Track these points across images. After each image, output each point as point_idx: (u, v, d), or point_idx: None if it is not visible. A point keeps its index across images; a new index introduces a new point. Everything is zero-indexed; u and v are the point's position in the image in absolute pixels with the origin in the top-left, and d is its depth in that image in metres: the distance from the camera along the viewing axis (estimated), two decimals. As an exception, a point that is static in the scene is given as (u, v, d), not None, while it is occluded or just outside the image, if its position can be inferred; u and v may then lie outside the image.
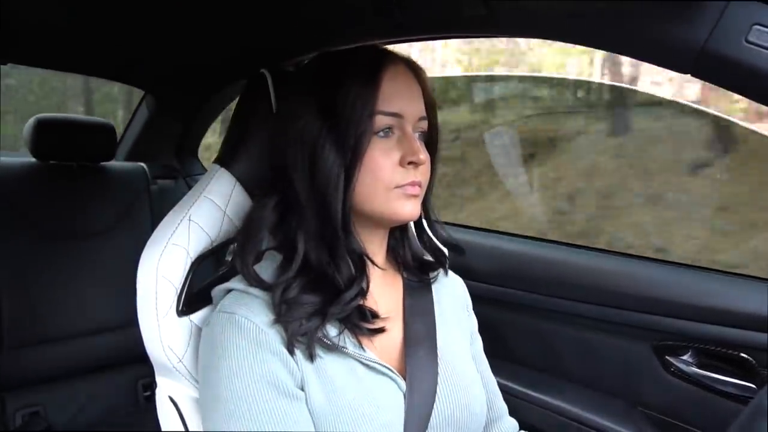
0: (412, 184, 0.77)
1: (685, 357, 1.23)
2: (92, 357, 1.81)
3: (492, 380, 0.98)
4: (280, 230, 0.79)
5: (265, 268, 0.78)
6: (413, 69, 0.82)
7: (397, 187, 0.76)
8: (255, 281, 0.76)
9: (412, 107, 0.79)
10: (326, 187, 0.74)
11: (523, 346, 1.49)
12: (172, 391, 0.85)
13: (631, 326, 1.28)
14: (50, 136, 1.77)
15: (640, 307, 1.25)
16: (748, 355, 1.13)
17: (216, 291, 0.80)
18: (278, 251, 0.80)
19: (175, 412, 0.85)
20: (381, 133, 0.76)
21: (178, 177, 2.13)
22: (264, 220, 0.79)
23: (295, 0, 1.05)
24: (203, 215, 0.86)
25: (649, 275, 1.27)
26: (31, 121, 1.76)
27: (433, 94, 0.85)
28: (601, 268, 1.35)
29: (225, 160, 0.91)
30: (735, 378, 1.17)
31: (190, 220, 0.85)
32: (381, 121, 0.75)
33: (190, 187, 1.27)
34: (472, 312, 0.99)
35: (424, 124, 0.82)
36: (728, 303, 1.15)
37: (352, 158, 0.74)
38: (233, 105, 1.37)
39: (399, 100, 0.77)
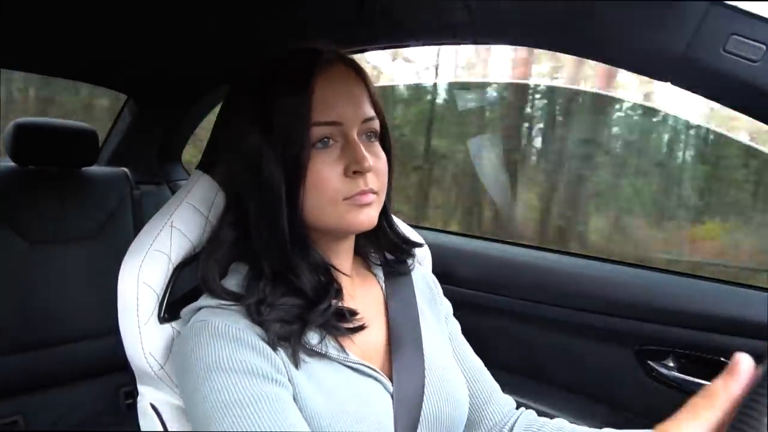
0: (362, 193, 0.72)
1: (666, 362, 1.24)
2: (73, 365, 1.78)
3: (477, 360, 0.96)
4: (244, 242, 0.76)
5: (232, 280, 0.76)
6: (352, 68, 0.77)
7: (345, 199, 0.71)
8: (226, 294, 0.73)
9: (353, 111, 0.73)
10: (273, 205, 0.71)
11: (507, 352, 1.49)
12: (154, 399, 0.84)
13: (614, 332, 1.29)
14: (29, 140, 1.74)
15: (622, 313, 1.26)
16: (727, 359, 1.15)
17: (185, 311, 0.76)
18: (244, 262, 0.77)
19: (157, 419, 0.84)
20: (320, 145, 0.71)
21: (160, 182, 2.11)
22: (223, 238, 0.77)
23: (278, 6, 1.05)
24: (186, 221, 0.86)
25: (630, 281, 1.29)
26: (10, 125, 1.73)
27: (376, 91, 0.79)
28: (584, 275, 1.36)
29: (207, 166, 0.91)
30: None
31: (172, 226, 0.84)
32: (318, 132, 0.70)
33: (173, 193, 1.26)
34: (444, 297, 0.97)
35: (373, 125, 0.76)
36: (707, 308, 1.16)
37: (294, 174, 0.70)
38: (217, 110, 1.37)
39: (336, 107, 0.72)
